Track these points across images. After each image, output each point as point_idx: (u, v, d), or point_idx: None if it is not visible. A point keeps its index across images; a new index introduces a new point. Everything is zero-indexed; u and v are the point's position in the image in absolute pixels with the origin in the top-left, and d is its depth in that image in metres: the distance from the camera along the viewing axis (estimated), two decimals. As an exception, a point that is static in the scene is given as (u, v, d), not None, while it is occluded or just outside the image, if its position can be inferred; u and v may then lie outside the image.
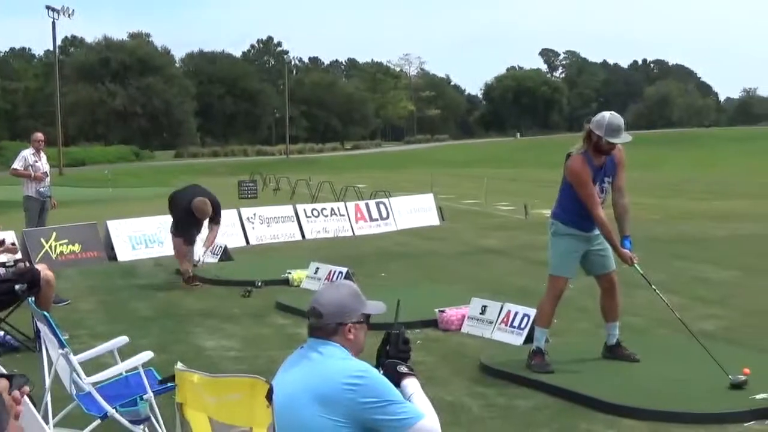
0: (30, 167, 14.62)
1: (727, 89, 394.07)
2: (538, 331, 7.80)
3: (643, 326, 9.78)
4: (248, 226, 18.50)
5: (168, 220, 13.64)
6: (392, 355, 3.74)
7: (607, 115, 7.47)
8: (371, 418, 3.40)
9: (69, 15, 66.26)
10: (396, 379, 3.60)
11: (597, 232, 7.63)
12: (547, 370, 7.49)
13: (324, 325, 3.61)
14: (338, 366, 3.49)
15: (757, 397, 6.45)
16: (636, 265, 7.50)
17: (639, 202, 30.55)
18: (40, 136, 15.22)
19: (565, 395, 6.90)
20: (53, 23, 65.03)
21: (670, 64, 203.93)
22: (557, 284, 7.78)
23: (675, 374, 7.34)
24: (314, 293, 3.83)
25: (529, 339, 8.66)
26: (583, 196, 7.45)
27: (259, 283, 12.11)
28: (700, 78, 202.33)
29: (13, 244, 10.80)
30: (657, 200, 29.74)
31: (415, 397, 3.58)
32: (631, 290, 11.83)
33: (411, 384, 3.65)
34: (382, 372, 3.59)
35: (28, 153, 14.78)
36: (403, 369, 3.69)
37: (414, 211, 22.58)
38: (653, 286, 7.62)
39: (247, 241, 17.64)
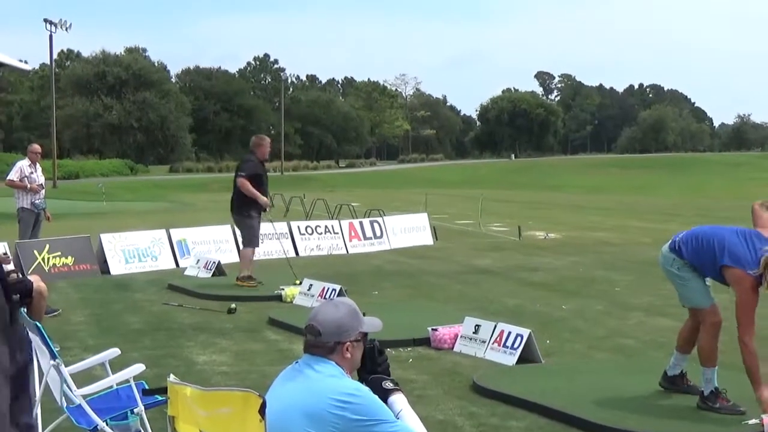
0: (26, 178, 14.59)
1: (722, 115, 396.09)
2: (710, 371, 6.99)
3: (637, 348, 9.76)
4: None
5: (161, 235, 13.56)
6: (371, 370, 3.73)
7: None
8: (363, 435, 3.39)
9: (66, 28, 66.36)
10: (382, 396, 3.59)
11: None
12: (738, 411, 6.73)
13: (322, 344, 3.60)
14: (331, 384, 3.48)
15: (750, 422, 6.44)
16: None
17: (632, 226, 30.68)
18: (37, 147, 15.18)
19: (557, 416, 6.88)
20: (50, 36, 65.03)
21: (665, 89, 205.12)
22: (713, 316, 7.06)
23: (669, 397, 7.32)
24: (311, 309, 3.81)
25: (522, 359, 8.66)
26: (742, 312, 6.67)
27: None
28: (694, 103, 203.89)
29: (6, 254, 10.80)
30: (650, 224, 29.78)
31: (404, 414, 3.58)
32: (624, 312, 11.89)
33: (399, 400, 3.65)
34: None
35: (24, 164, 14.72)
36: (389, 385, 3.69)
37: (408, 230, 22.57)
38: None
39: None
